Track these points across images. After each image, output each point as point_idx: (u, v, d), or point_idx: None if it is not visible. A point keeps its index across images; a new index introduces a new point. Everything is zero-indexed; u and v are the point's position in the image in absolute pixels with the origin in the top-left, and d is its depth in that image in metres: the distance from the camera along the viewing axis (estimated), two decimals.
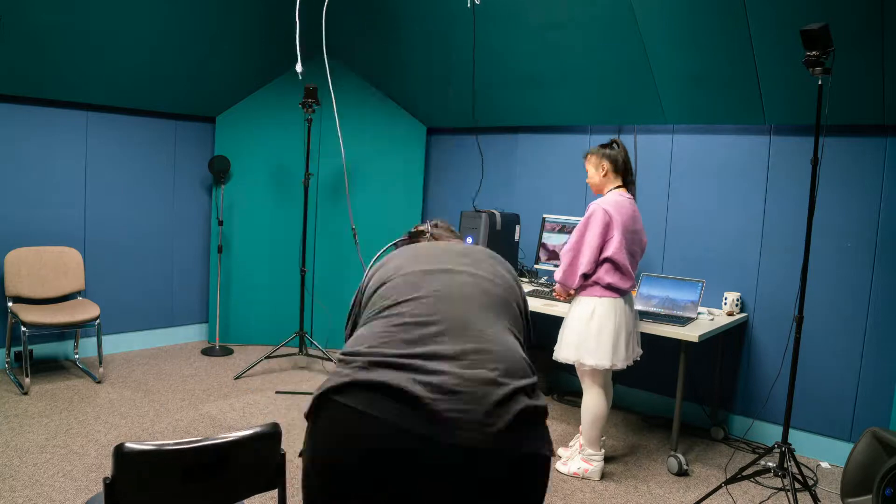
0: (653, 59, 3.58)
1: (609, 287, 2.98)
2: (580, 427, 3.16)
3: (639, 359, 3.16)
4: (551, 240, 4.20)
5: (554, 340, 3.14)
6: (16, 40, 3.58)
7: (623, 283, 2.99)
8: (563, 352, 3.08)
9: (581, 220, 3.04)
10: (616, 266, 2.97)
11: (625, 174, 3.11)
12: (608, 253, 2.95)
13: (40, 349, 4.27)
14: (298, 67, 3.12)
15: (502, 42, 4.02)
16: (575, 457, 3.17)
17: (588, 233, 2.98)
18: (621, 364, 2.99)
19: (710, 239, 3.83)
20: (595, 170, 3.15)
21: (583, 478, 3.09)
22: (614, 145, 3.13)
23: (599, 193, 3.16)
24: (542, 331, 4.35)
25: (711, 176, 3.82)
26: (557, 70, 4.00)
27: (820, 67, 2.61)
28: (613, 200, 3.02)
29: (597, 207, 2.99)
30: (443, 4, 4.01)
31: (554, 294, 3.26)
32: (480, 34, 3.93)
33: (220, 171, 4.80)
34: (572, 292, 3.09)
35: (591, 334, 2.98)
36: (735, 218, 3.73)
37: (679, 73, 3.58)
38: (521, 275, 4.48)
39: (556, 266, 4.02)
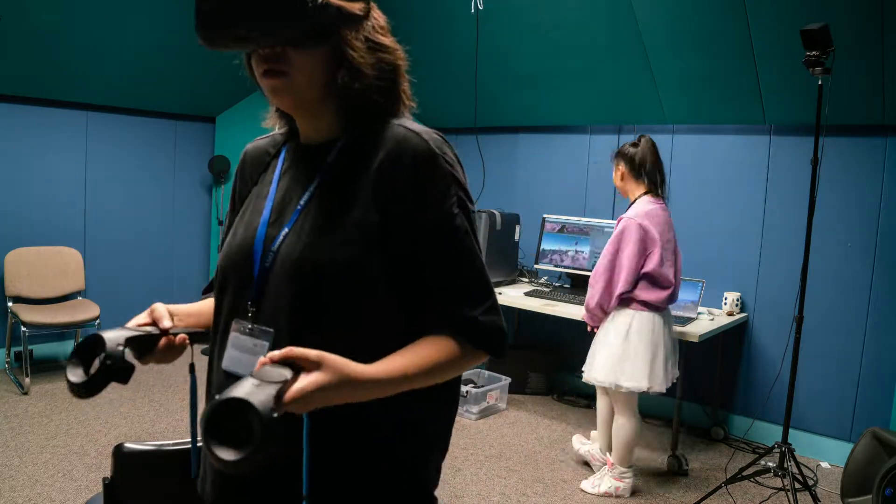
0: (653, 59, 3.58)
1: (645, 303, 2.76)
2: (605, 446, 3.05)
3: (675, 381, 2.95)
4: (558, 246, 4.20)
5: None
6: (16, 40, 3.57)
7: (661, 299, 2.76)
8: (597, 373, 2.81)
9: (611, 236, 2.81)
10: (654, 281, 2.74)
11: (651, 175, 2.82)
12: (648, 268, 2.73)
13: (40, 349, 4.27)
14: None
15: (503, 42, 4.02)
16: (605, 476, 2.93)
17: (624, 250, 2.74)
18: (658, 387, 2.76)
19: (710, 239, 3.82)
20: (615, 173, 2.94)
21: (616, 496, 2.87)
22: (639, 142, 2.87)
23: (627, 198, 2.94)
24: (542, 331, 4.35)
25: (711, 176, 3.82)
26: (557, 70, 4.00)
27: (820, 67, 2.61)
28: (644, 211, 2.76)
29: (628, 221, 2.74)
30: (443, 5, 4.01)
31: (588, 326, 2.94)
32: (481, 34, 3.93)
33: (220, 171, 4.80)
34: (605, 318, 2.83)
35: (627, 354, 2.74)
36: (735, 218, 3.73)
37: (679, 73, 3.58)
38: (521, 275, 4.48)
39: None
